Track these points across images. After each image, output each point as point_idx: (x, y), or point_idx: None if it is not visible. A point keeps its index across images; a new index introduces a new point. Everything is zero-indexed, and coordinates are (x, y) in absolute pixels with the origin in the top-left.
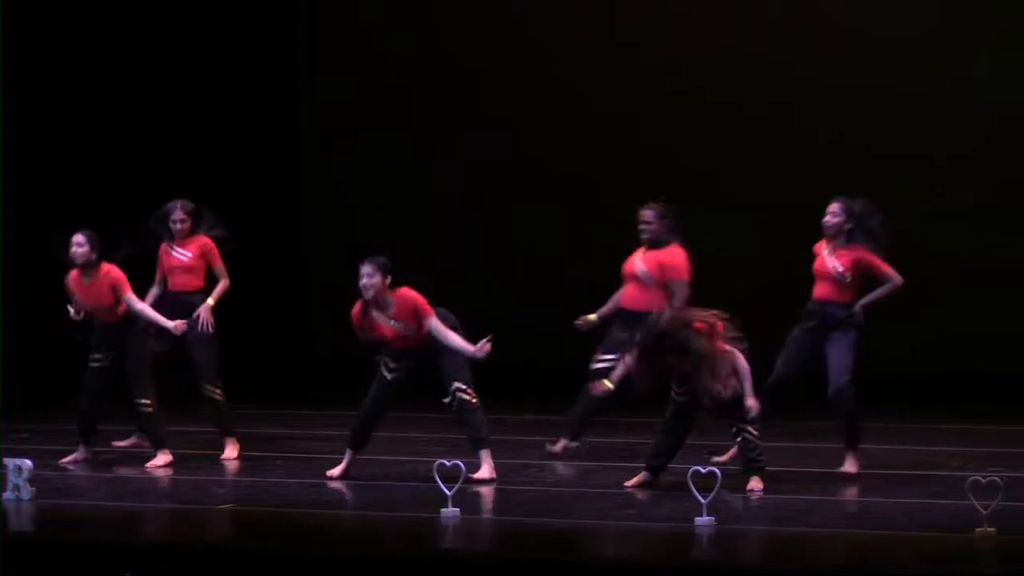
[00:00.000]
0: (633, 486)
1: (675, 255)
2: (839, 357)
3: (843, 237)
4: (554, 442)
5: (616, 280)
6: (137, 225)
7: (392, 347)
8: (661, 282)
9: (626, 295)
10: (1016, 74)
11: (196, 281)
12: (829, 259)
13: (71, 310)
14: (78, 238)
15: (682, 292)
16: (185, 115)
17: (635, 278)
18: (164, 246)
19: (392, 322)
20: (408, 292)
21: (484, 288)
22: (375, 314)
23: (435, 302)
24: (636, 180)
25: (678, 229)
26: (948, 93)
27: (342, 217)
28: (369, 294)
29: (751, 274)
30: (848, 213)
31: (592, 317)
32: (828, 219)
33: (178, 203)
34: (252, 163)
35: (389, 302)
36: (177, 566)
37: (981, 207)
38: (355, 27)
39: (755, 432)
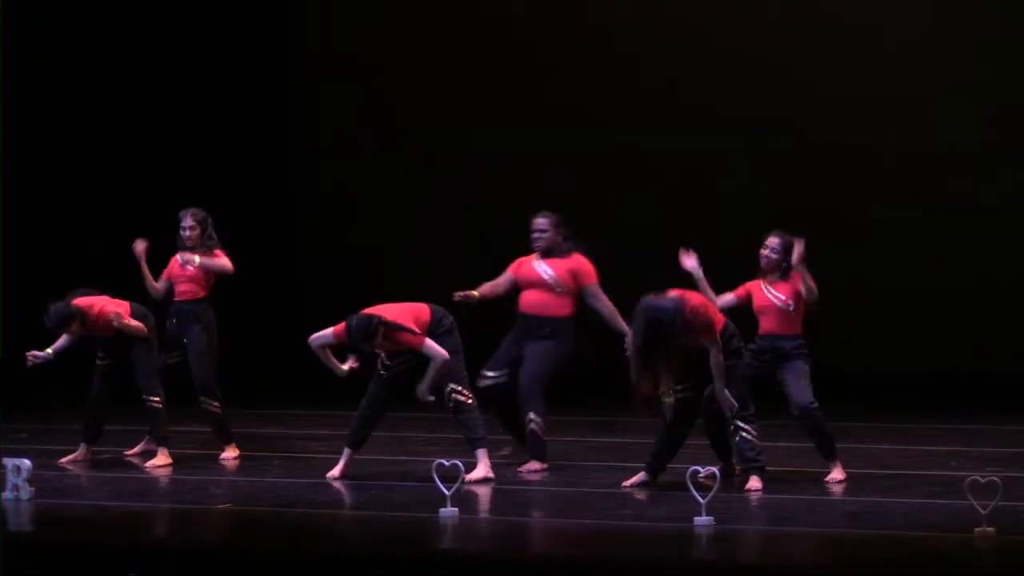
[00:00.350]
0: (631, 486)
1: (583, 262)
2: (798, 379)
3: (779, 272)
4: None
5: (619, 281)
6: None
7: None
8: (572, 289)
9: (527, 301)
10: (1017, 74)
11: (200, 291)
12: (769, 293)
13: (32, 357)
14: (59, 335)
15: (600, 293)
16: (185, 115)
17: (540, 284)
18: (177, 255)
19: (391, 358)
20: (403, 339)
21: None
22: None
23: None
24: (636, 183)
25: (573, 238)
26: (948, 93)
27: (341, 217)
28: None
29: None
30: (786, 249)
31: (475, 293)
32: (767, 253)
33: (189, 211)
34: (251, 163)
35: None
36: (177, 566)
37: (982, 208)
38: (355, 28)
39: (753, 432)
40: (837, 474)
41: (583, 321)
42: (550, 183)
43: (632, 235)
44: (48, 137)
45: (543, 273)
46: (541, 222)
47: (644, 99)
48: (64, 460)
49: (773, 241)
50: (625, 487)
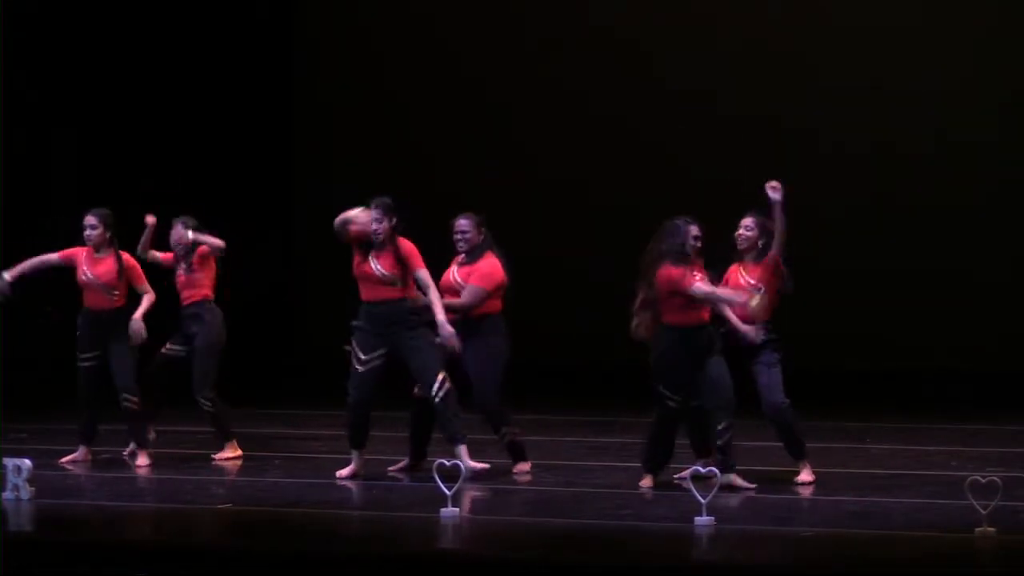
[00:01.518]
0: (646, 486)
1: (484, 265)
2: (771, 376)
3: (755, 253)
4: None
5: (619, 280)
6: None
7: (368, 300)
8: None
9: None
10: (1017, 74)
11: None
12: (743, 277)
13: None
14: (90, 220)
15: (472, 296)
16: (184, 117)
17: (453, 291)
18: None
19: (381, 271)
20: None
21: None
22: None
23: None
24: (636, 183)
25: (491, 239)
26: (948, 93)
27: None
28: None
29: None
30: (762, 228)
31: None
32: (742, 233)
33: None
34: (250, 165)
35: (385, 245)
36: (177, 566)
37: (982, 208)
38: (355, 28)
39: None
40: (805, 476)
41: (578, 324)
42: (551, 182)
43: (633, 234)
44: (48, 138)
45: (452, 280)
46: (463, 223)
47: (645, 99)
48: (64, 460)
49: (748, 221)
50: (641, 486)
